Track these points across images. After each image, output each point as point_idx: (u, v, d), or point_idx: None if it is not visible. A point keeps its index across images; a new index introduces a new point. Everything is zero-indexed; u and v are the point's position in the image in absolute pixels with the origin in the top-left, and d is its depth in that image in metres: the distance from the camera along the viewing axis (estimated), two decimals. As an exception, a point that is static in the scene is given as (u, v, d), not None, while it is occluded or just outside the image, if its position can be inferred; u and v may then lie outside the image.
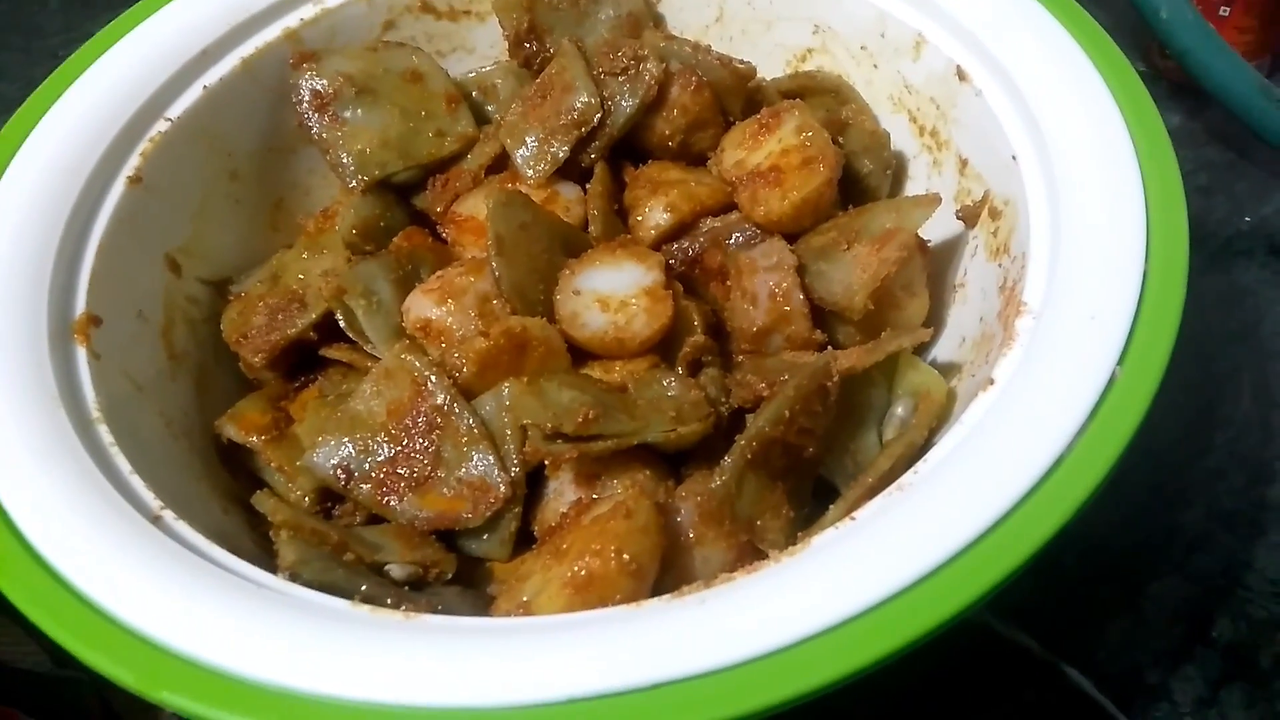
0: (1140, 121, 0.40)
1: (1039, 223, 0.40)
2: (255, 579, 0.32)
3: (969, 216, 0.46)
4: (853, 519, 0.32)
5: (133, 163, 0.46)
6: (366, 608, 0.31)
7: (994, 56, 0.45)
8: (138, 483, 0.35)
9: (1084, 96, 0.42)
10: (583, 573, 0.32)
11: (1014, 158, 0.43)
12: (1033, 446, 0.32)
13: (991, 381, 0.35)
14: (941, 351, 0.46)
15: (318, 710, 0.28)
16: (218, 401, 0.47)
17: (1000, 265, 0.43)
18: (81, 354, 0.40)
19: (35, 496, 0.33)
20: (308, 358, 0.48)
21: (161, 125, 0.48)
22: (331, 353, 0.46)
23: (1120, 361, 0.33)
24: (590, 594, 0.32)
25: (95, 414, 0.38)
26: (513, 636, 0.29)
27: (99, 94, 0.46)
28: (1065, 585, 0.46)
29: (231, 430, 0.43)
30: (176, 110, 0.49)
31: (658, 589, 0.35)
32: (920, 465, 0.33)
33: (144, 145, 0.47)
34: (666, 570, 0.36)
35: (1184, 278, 0.34)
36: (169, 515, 0.34)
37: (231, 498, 0.43)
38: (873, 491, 0.34)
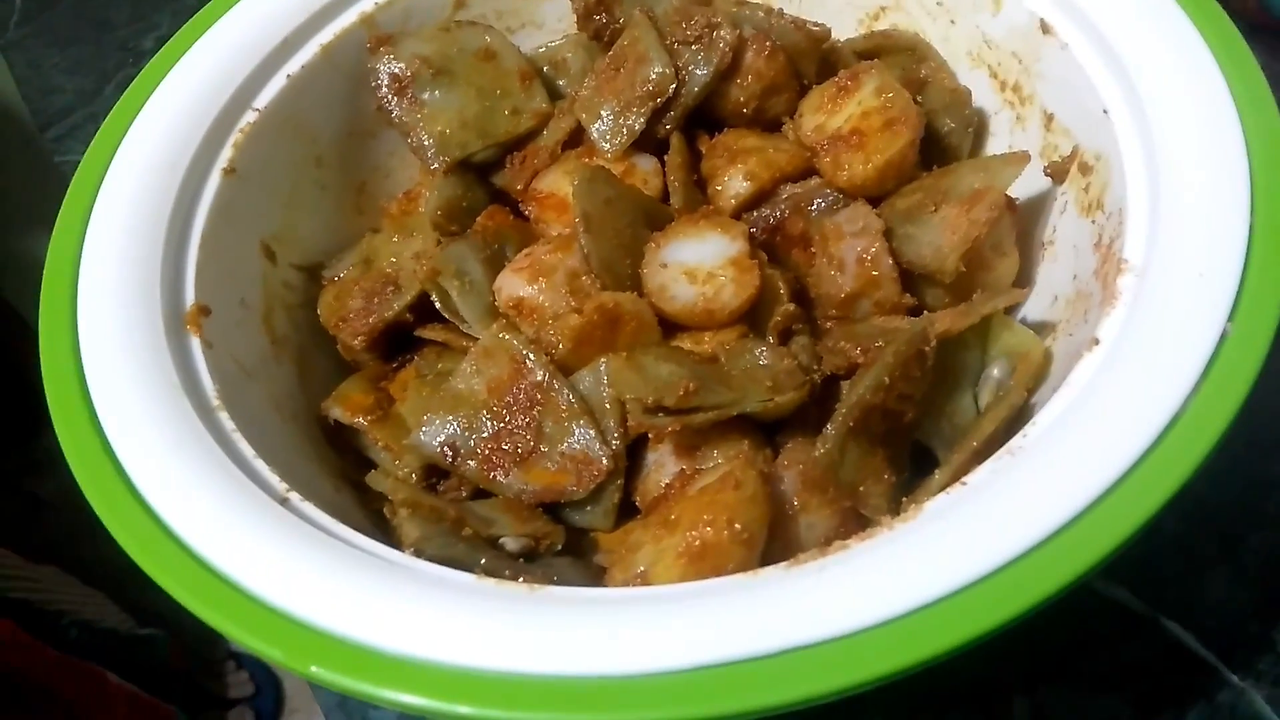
0: (1238, 69, 0.39)
1: (1135, 178, 0.39)
2: (383, 555, 0.33)
3: (1057, 173, 0.46)
4: (964, 484, 0.32)
5: (226, 154, 0.48)
6: (491, 581, 0.32)
7: (1079, 7, 0.44)
8: (262, 466, 0.37)
9: (1177, 45, 0.41)
10: (696, 543, 0.33)
11: (1105, 111, 0.42)
12: (1146, 407, 0.32)
13: (1097, 341, 0.35)
14: (1032, 310, 0.46)
15: (457, 681, 0.29)
16: (318, 384, 0.49)
17: (1094, 222, 0.42)
18: (196, 343, 0.41)
19: (171, 483, 0.35)
20: (403, 339, 0.49)
21: (250, 116, 0.49)
22: (427, 333, 0.47)
23: (1231, 318, 0.33)
24: (704, 564, 0.33)
25: (215, 401, 0.39)
26: (635, 606, 0.30)
27: (189, 89, 0.48)
28: (1161, 539, 0.46)
29: (338, 411, 0.45)
30: (263, 100, 0.50)
31: (764, 558, 0.36)
32: (1029, 429, 0.33)
33: (235, 136, 0.48)
34: (773, 537, 0.36)
35: (1294, 230, 0.34)
36: (295, 496, 0.36)
37: (341, 477, 0.45)
38: (979, 456, 0.34)
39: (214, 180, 0.47)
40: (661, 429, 0.38)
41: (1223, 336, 0.33)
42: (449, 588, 0.31)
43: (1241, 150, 0.37)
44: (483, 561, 0.35)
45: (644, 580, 0.33)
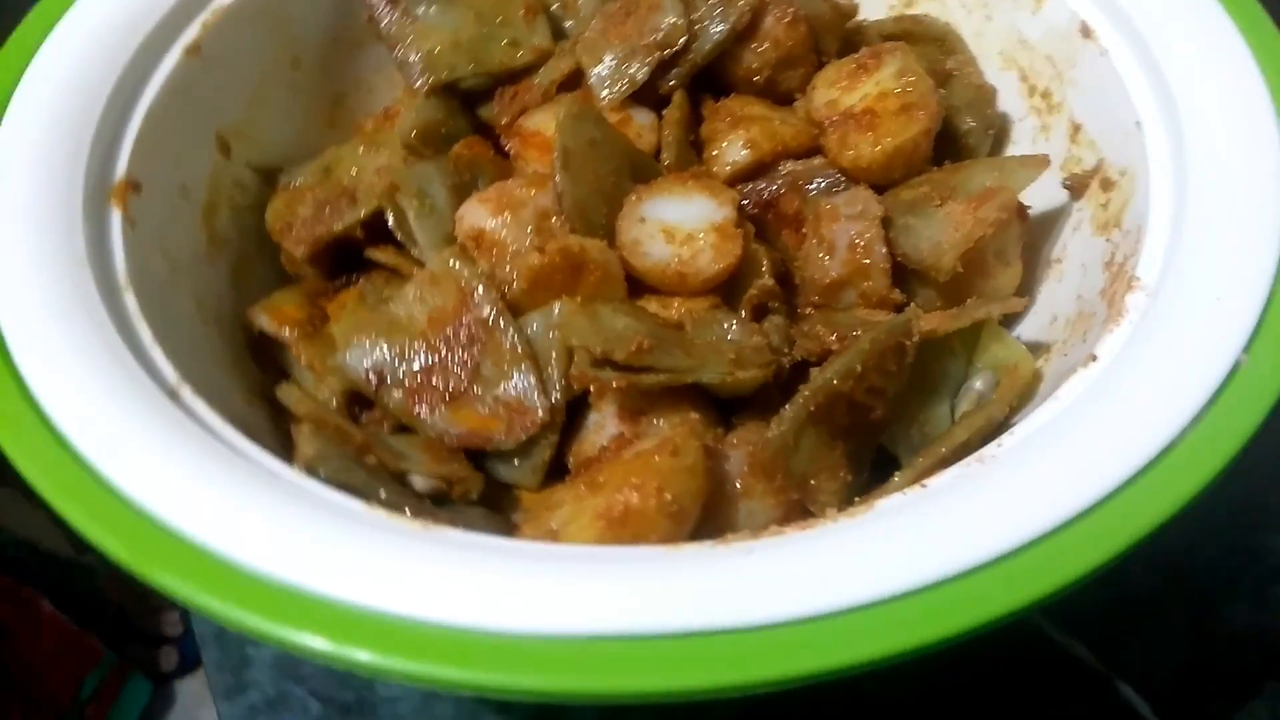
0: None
1: (1160, 195, 0.36)
2: (268, 466, 0.30)
3: (1077, 186, 0.42)
4: (923, 486, 0.29)
5: (192, 32, 0.44)
6: (383, 511, 0.29)
7: (1124, 12, 0.41)
8: (159, 355, 0.33)
9: (1223, 56, 0.38)
10: (619, 507, 0.29)
11: (1138, 124, 0.39)
12: (1136, 432, 0.28)
13: (1094, 358, 0.32)
14: (1028, 329, 0.43)
15: (315, 609, 0.25)
16: (254, 293, 0.45)
17: (1109, 240, 0.39)
18: (116, 220, 0.37)
19: (50, 355, 0.31)
20: (351, 258, 0.45)
21: (222, 0, 0.45)
22: (377, 255, 0.44)
23: (1247, 349, 0.29)
24: (624, 530, 0.29)
25: (123, 281, 0.35)
26: (537, 561, 0.27)
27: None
28: (1128, 595, 0.43)
29: (264, 320, 0.41)
30: (243, -16, 0.46)
31: (694, 539, 0.33)
32: (1005, 438, 0.30)
33: (206, 15, 0.45)
34: (707, 519, 0.33)
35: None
36: (187, 391, 0.32)
37: (256, 391, 0.41)
38: (945, 462, 0.31)
39: (173, 56, 0.43)
40: (605, 384, 0.34)
41: (1235, 367, 0.29)
42: (331, 510, 0.28)
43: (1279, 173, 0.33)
44: (382, 494, 0.32)
45: (554, 539, 0.30)
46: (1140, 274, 0.34)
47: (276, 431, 0.39)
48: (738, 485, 0.33)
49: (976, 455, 0.29)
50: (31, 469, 0.28)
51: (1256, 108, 0.35)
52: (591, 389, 0.35)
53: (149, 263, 0.38)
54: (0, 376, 0.31)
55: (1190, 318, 0.31)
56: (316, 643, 0.24)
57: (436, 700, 0.40)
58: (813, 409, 0.33)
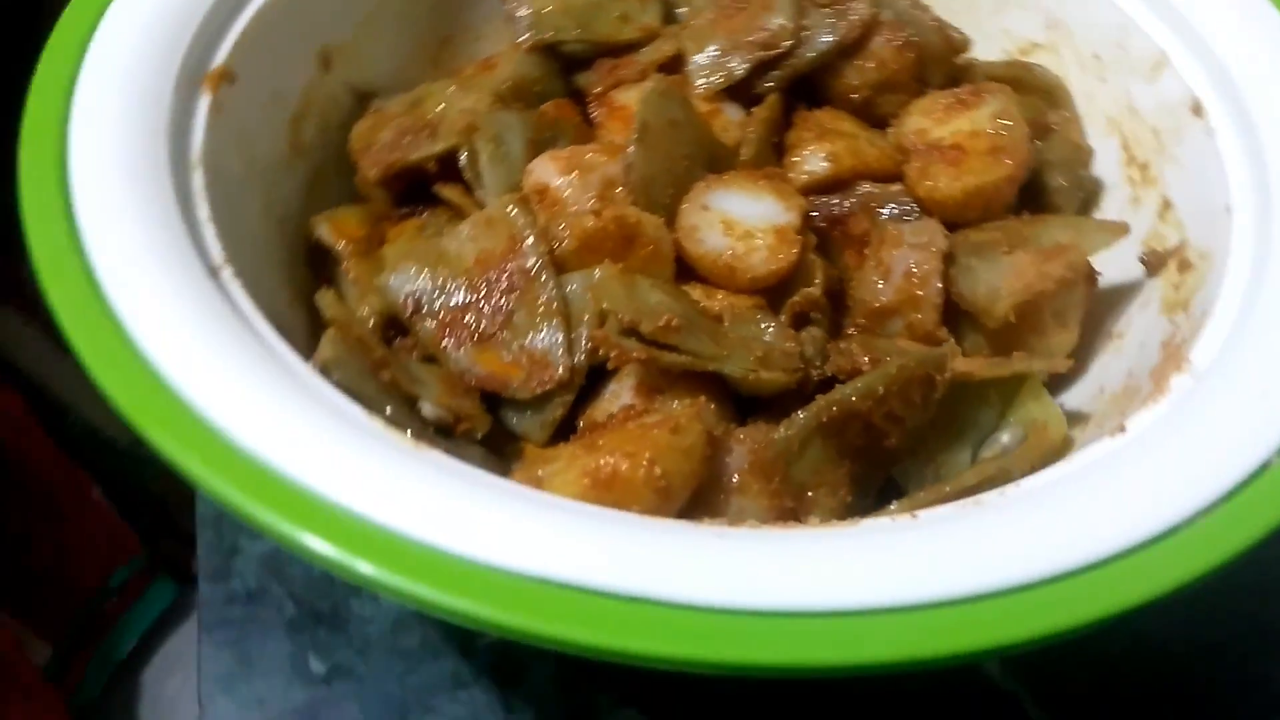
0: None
1: (1233, 283, 0.35)
2: (285, 358, 0.30)
3: (1154, 263, 0.41)
4: (914, 516, 0.28)
5: (316, -56, 0.45)
6: (381, 422, 0.29)
7: (1239, 92, 0.40)
8: (210, 233, 0.34)
9: None
10: (607, 470, 0.29)
11: (1228, 208, 0.37)
12: (1145, 506, 0.27)
13: (1122, 429, 0.31)
14: (1073, 397, 0.41)
15: (305, 504, 0.26)
16: (324, 204, 0.46)
17: (1172, 321, 0.38)
18: (205, 105, 0.39)
19: (108, 211, 0.32)
20: (421, 192, 0.46)
21: (354, -79, 0.47)
22: (444, 191, 0.44)
23: (1281, 451, 0.28)
24: (607, 493, 0.29)
25: (195, 159, 0.37)
26: (517, 501, 0.27)
27: None
28: (1107, 673, 0.41)
29: (324, 230, 0.42)
30: (376, -91, 0.48)
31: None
32: (1010, 488, 0.29)
33: (333, -70, 0.46)
34: (696, 506, 0.33)
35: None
36: (228, 273, 0.33)
37: (301, 296, 0.42)
38: (946, 499, 0.30)
39: (294, -35, 0.45)
40: (626, 353, 0.34)
41: (1264, 466, 0.28)
42: (329, 408, 0.28)
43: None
44: (388, 410, 0.32)
45: (536, 486, 0.30)
46: (1194, 357, 0.33)
47: (310, 339, 0.40)
48: (734, 480, 0.33)
49: (974, 498, 0.29)
50: (60, 302, 0.29)
51: None
52: (611, 355, 0.35)
53: (226, 153, 0.39)
54: (59, 221, 0.32)
55: (1231, 407, 0.29)
56: (308, 541, 0.25)
57: (404, 630, 0.41)
58: (825, 420, 0.33)
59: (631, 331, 0.35)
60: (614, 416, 0.35)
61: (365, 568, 0.24)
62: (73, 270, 0.30)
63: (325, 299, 0.36)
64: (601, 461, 0.30)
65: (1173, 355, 0.35)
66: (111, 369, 0.28)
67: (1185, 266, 0.39)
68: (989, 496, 0.29)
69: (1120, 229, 0.39)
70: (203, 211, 0.35)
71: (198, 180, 0.36)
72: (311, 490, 0.26)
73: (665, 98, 0.43)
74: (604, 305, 0.35)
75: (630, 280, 0.36)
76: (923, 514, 0.28)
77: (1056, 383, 0.42)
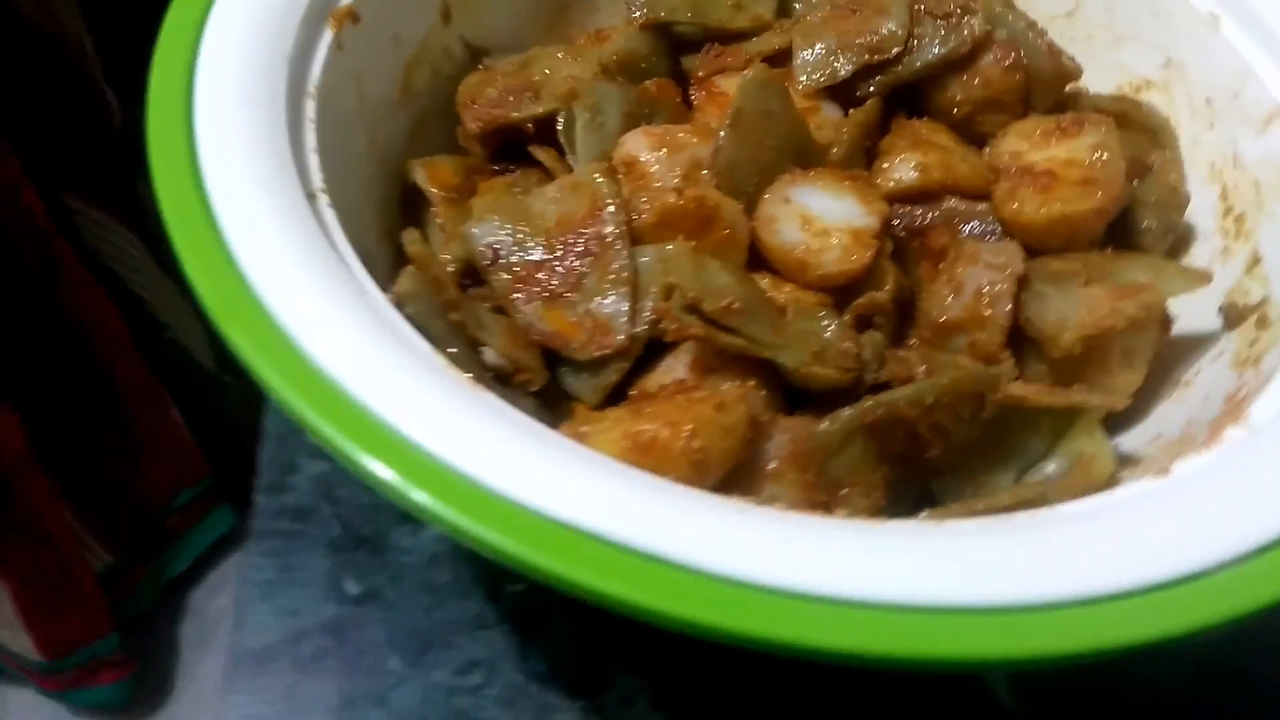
0: None
1: (1310, 346, 0.34)
2: (364, 283, 0.32)
3: (1234, 317, 0.40)
4: (940, 523, 0.29)
5: (452, -99, 0.47)
6: (445, 360, 0.31)
7: (1353, 159, 0.39)
8: (314, 161, 0.36)
9: None
10: (648, 435, 0.31)
11: (1316, 270, 0.37)
12: (1175, 548, 0.27)
13: (1167, 471, 0.30)
14: (1128, 439, 0.41)
15: (355, 417, 0.28)
16: (426, 150, 0.48)
17: (1241, 376, 0.37)
18: (327, 39, 0.41)
19: (223, 134, 0.34)
20: (518, 151, 0.48)
21: (487, -114, 0.48)
22: (539, 153, 0.46)
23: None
24: (645, 457, 0.31)
25: (311, 89, 0.39)
26: (560, 451, 0.28)
27: None
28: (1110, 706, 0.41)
29: (420, 174, 0.44)
30: (514, -127, 0.49)
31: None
32: (1042, 511, 0.29)
33: (468, -106, 0.48)
34: (731, 485, 0.34)
35: None
36: (324, 200, 0.35)
37: (389, 234, 0.44)
38: (976, 515, 0.31)
39: (428, -84, 0.46)
40: (685, 328, 0.35)
41: (1299, 530, 0.28)
42: (401, 341, 0.30)
43: None
44: (452, 350, 0.34)
45: (579, 439, 0.31)
46: (1253, 411, 0.32)
47: (391, 273, 0.42)
48: (771, 465, 0.34)
49: (1008, 516, 0.29)
50: (170, 210, 0.31)
51: None
52: (671, 328, 0.36)
53: (340, 88, 0.42)
54: (180, 139, 0.34)
55: (1262, 477, 0.29)
56: (371, 463, 0.27)
57: (438, 566, 0.42)
58: (869, 421, 0.33)
59: (694, 309, 0.36)
60: (665, 388, 0.36)
61: (419, 495, 0.26)
62: (186, 184, 0.32)
63: (410, 236, 0.38)
64: (644, 427, 0.31)
65: (1233, 409, 0.34)
66: (206, 273, 0.30)
67: (1264, 323, 0.38)
68: (1019, 516, 0.29)
69: (1202, 277, 0.39)
70: (310, 140, 0.37)
71: (310, 109, 0.38)
72: (374, 413, 0.28)
73: (764, 87, 0.43)
74: (671, 279, 0.36)
75: (700, 259, 0.37)
76: (950, 523, 0.29)
77: (1114, 423, 0.41)
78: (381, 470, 0.27)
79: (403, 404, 0.28)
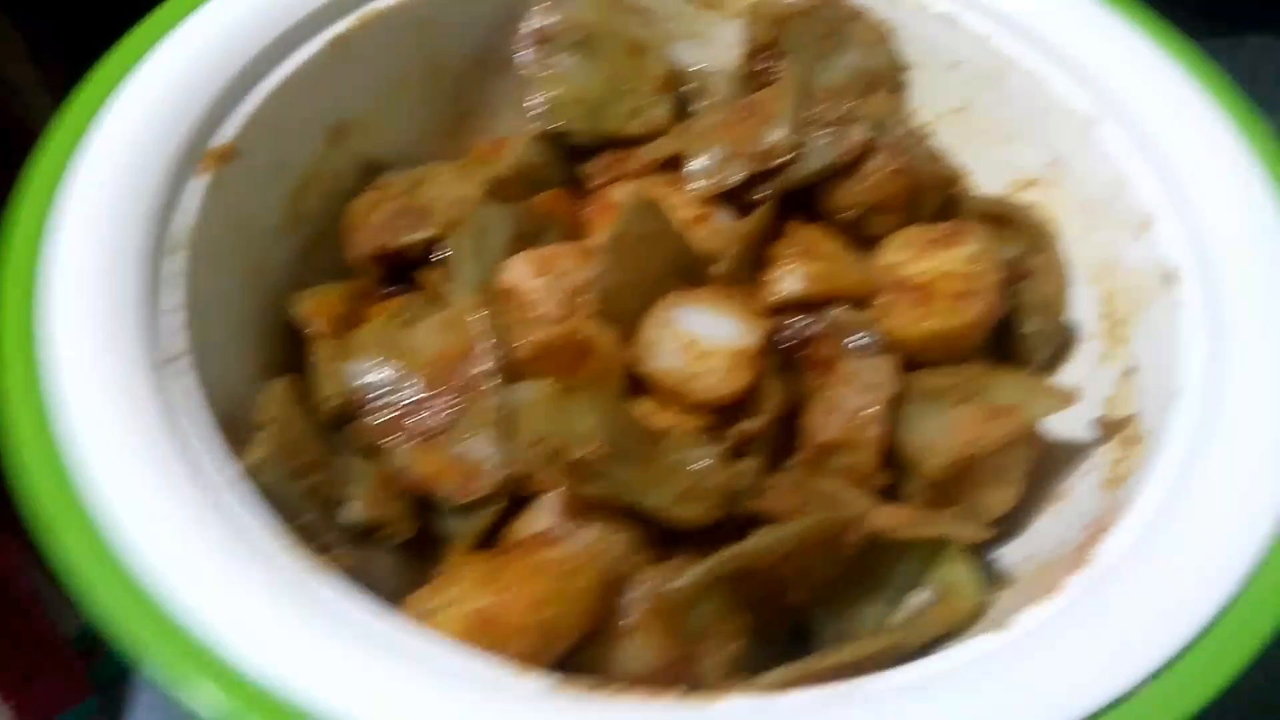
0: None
1: (1160, 480, 0.34)
2: (206, 467, 0.32)
3: (1107, 431, 0.41)
4: (777, 695, 0.29)
5: (342, 26, 0.47)
6: (285, 541, 0.31)
7: (1215, 272, 0.39)
8: (176, 321, 0.36)
9: None
10: (490, 610, 0.31)
11: (1177, 393, 0.37)
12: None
13: (1003, 627, 0.31)
14: (1008, 553, 0.41)
15: (154, 614, 0.28)
16: (317, 272, 0.48)
17: (1106, 497, 0.37)
18: (202, 182, 0.41)
19: (72, 305, 0.34)
20: (409, 272, 0.48)
21: (382, 3, 0.49)
22: (425, 277, 0.46)
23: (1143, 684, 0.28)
24: (486, 635, 0.31)
25: (180, 240, 0.39)
26: (375, 651, 0.28)
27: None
28: None
29: (301, 308, 0.44)
30: (409, -9, 0.49)
31: (572, 661, 0.34)
32: (877, 680, 0.29)
33: (364, 12, 0.48)
34: (590, 644, 0.34)
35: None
36: (183, 363, 0.35)
37: (275, 366, 0.44)
38: (818, 678, 0.31)
39: (315, 45, 0.47)
40: (543, 482, 0.36)
41: (1124, 696, 0.28)
42: (231, 529, 0.30)
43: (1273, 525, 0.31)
44: (307, 517, 0.34)
45: (426, 620, 0.31)
46: (1099, 553, 0.32)
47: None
48: (632, 619, 0.34)
49: (843, 690, 0.29)
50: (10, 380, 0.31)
51: None
52: (531, 479, 0.36)
53: (217, 229, 0.42)
54: (24, 301, 0.34)
55: (1108, 626, 0.29)
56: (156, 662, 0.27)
57: None
58: (723, 574, 0.33)
59: (557, 457, 0.36)
60: (528, 540, 0.36)
61: (204, 698, 0.26)
62: (23, 349, 0.32)
63: (269, 394, 0.38)
64: (485, 602, 0.31)
65: (1088, 542, 0.34)
66: (29, 448, 0.30)
67: (1130, 442, 0.39)
68: (855, 688, 0.29)
69: (1068, 398, 0.39)
70: (173, 298, 0.37)
71: (177, 263, 0.38)
72: (189, 629, 0.28)
73: (642, 210, 0.44)
74: (533, 429, 0.36)
75: (563, 404, 0.37)
76: (787, 697, 0.29)
77: (996, 536, 0.42)
78: (191, 694, 0.27)
79: (220, 617, 0.28)
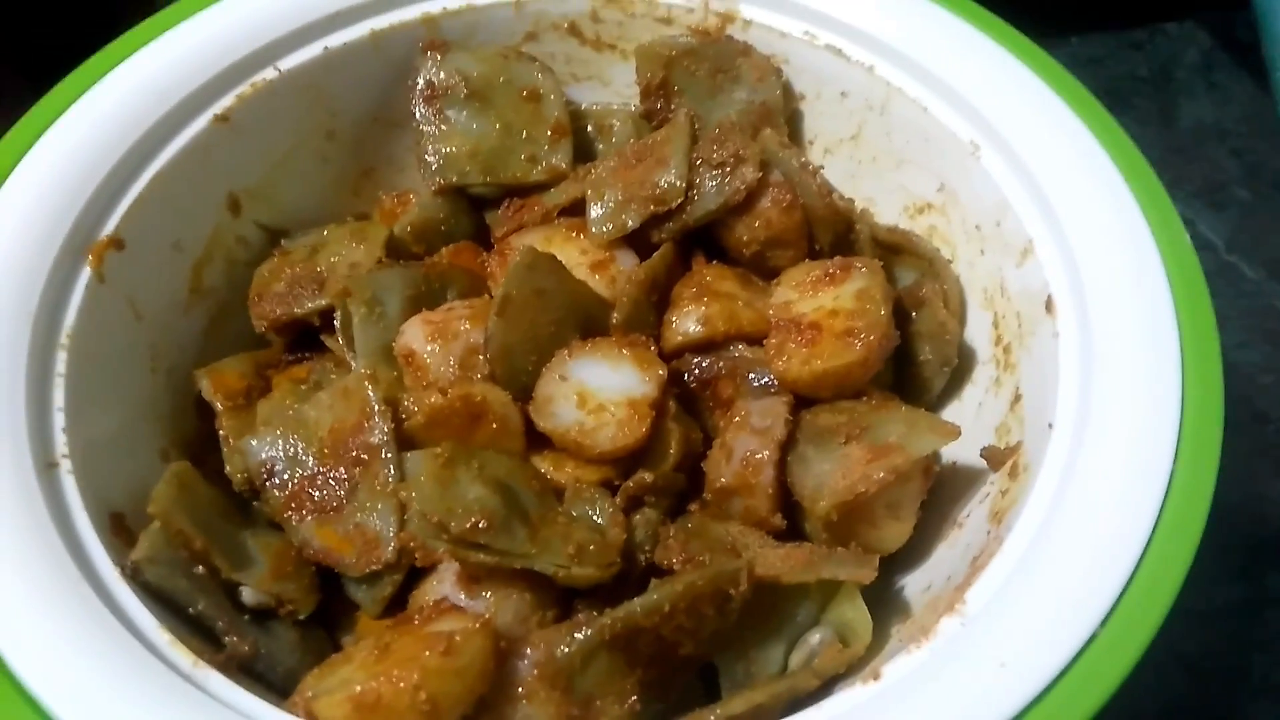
0: (1196, 454, 0.34)
1: (1033, 515, 0.35)
2: (91, 569, 0.33)
3: (993, 460, 0.41)
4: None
5: (225, 103, 0.48)
6: (168, 638, 0.31)
7: (1086, 300, 0.40)
8: (60, 422, 0.37)
9: (1152, 411, 0.36)
10: (372, 695, 0.31)
11: (1050, 426, 0.38)
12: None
13: (876, 676, 0.31)
14: (911, 582, 0.42)
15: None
16: (225, 343, 0.49)
17: (989, 533, 0.38)
18: (85, 276, 0.41)
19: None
20: (316, 336, 0.48)
21: (269, 73, 0.49)
22: (329, 342, 0.47)
23: (1001, 731, 0.29)
24: (371, 718, 0.31)
25: (64, 338, 0.39)
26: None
27: (210, 34, 0.48)
28: None
29: (205, 385, 0.45)
30: (289, 63, 0.50)
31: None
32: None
33: (244, 89, 0.48)
34: (484, 710, 0.34)
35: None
36: (65, 467, 0.36)
37: (183, 445, 0.45)
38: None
39: (200, 123, 0.47)
40: (430, 555, 0.36)
41: (981, 741, 0.29)
42: (108, 636, 0.31)
43: (1129, 567, 0.32)
44: (200, 605, 0.35)
45: (307, 709, 0.32)
46: (969, 600, 0.33)
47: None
48: (522, 689, 0.35)
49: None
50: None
51: (1153, 483, 0.34)
52: (418, 553, 0.36)
53: (109, 315, 0.42)
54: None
55: (969, 676, 0.30)
56: None
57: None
58: (608, 638, 0.34)
59: (443, 529, 0.36)
60: (428, 608, 0.36)
61: None
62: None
63: (162, 483, 0.38)
64: (369, 684, 0.31)
65: (963, 584, 0.35)
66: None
67: (1014, 474, 0.39)
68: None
69: (950, 432, 0.40)
70: (56, 400, 0.37)
71: (60, 363, 0.39)
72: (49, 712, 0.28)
73: (532, 269, 0.44)
74: (414, 506, 0.37)
75: (449, 477, 0.38)
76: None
77: (899, 562, 0.43)
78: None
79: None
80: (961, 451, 0.43)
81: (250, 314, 0.48)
